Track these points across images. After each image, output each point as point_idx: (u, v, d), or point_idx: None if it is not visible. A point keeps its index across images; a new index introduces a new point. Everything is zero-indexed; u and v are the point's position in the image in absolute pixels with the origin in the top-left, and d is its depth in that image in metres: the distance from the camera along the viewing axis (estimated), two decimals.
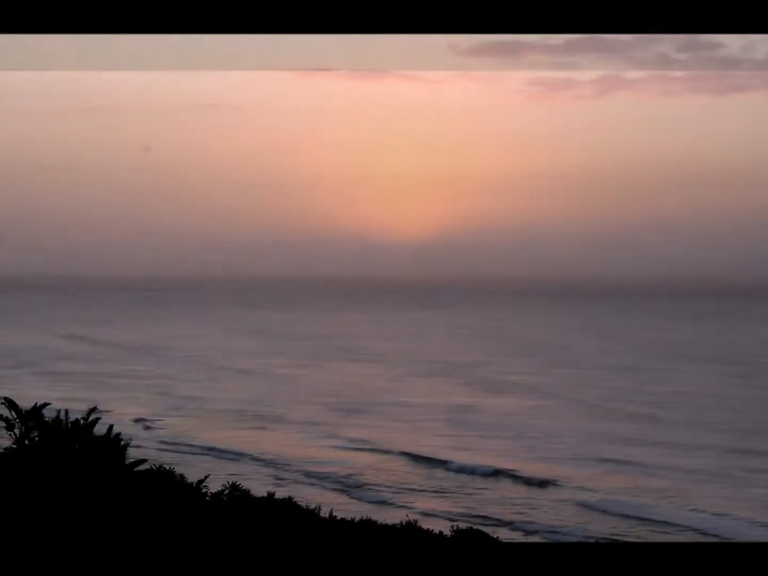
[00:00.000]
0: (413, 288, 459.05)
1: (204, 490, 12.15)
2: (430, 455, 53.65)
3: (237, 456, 54.05)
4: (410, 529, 11.43)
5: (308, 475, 49.46)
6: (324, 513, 12.14)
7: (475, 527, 11.86)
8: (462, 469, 50.14)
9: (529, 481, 47.50)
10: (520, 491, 45.88)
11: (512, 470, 49.61)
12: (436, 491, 45.91)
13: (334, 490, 45.96)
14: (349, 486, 46.97)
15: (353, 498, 43.97)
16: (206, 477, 12.36)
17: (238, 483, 12.32)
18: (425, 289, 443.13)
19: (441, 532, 11.49)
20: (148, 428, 61.83)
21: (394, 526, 11.67)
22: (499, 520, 39.56)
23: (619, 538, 36.51)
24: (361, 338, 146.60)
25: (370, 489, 46.43)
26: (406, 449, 55.51)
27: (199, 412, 70.96)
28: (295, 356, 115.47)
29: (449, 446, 56.74)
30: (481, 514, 40.60)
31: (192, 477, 12.79)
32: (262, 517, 11.69)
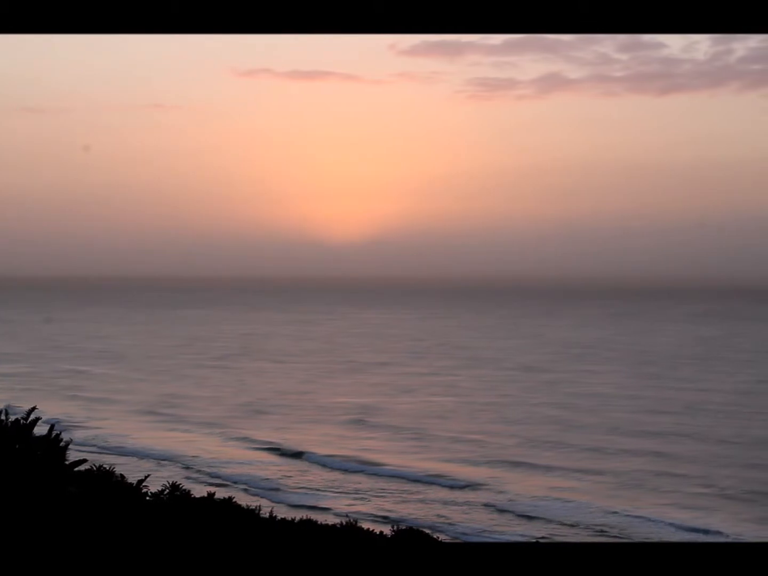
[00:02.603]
0: (350, 287, 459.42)
1: (144, 490, 12.22)
2: (345, 457, 53.88)
3: (147, 457, 53.81)
4: (351, 528, 11.61)
5: (217, 477, 49.34)
6: (264, 513, 12.29)
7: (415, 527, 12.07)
8: (377, 472, 50.45)
9: (443, 483, 47.98)
10: (436, 493, 46.29)
11: (425, 471, 50.10)
12: (347, 493, 46.14)
13: (248, 492, 45.84)
14: (262, 488, 46.90)
15: (272, 501, 43.93)
16: (146, 477, 12.43)
17: (178, 483, 12.41)
18: (361, 288, 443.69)
19: (382, 532, 11.68)
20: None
21: (334, 526, 11.84)
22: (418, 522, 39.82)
23: (536, 539, 37.01)
24: (281, 338, 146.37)
25: (285, 491, 46.45)
26: (317, 451, 55.66)
27: (112, 413, 70.35)
28: (211, 356, 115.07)
29: (363, 447, 57.04)
30: (401, 516, 40.87)
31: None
32: (203, 517, 11.78)
